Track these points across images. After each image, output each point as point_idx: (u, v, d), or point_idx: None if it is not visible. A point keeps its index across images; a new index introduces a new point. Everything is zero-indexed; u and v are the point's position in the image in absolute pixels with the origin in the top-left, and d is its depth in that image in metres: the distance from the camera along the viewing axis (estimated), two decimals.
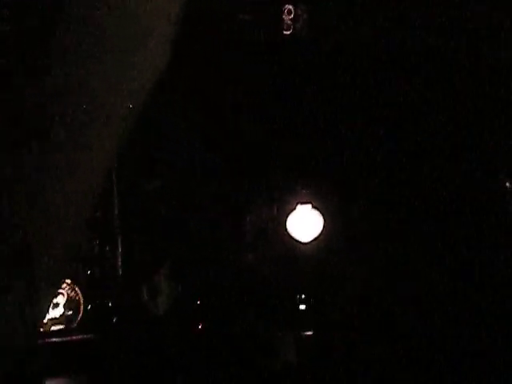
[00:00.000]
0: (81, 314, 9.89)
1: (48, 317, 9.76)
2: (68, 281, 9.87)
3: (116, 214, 9.44)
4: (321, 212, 10.53)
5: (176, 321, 9.15)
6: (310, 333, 9.16)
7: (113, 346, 9.19)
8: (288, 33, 9.87)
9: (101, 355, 9.23)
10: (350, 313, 9.68)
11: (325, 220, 10.51)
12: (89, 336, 9.59)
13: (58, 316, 9.83)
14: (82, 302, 9.89)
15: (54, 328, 9.77)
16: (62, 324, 9.82)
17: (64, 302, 9.86)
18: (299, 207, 10.50)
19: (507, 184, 10.32)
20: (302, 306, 9.51)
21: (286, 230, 10.28)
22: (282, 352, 8.73)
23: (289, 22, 9.81)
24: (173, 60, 3.92)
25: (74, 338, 9.61)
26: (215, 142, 11.17)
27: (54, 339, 9.52)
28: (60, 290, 9.85)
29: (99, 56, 3.49)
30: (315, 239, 10.40)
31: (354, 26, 10.36)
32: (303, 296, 9.55)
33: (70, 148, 3.46)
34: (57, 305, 9.83)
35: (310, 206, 10.54)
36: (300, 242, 10.31)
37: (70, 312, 9.87)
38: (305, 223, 10.39)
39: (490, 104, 10.25)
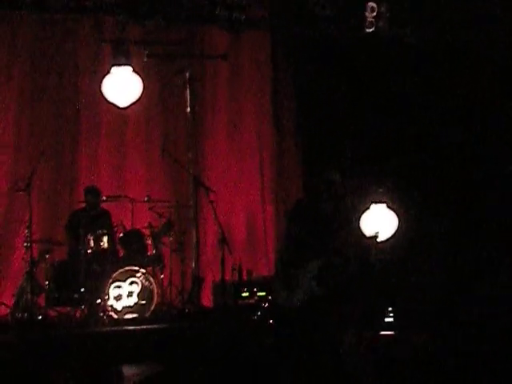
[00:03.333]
0: (154, 305, 9.96)
1: (122, 305, 9.87)
2: (143, 270, 9.96)
3: None
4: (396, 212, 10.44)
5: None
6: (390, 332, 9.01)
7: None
8: (370, 30, 9.85)
9: (173, 345, 9.23)
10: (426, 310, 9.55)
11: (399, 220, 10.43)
12: (162, 326, 9.64)
13: (131, 305, 9.94)
14: (155, 292, 9.95)
15: (127, 316, 9.88)
16: (135, 313, 9.92)
17: (138, 291, 9.95)
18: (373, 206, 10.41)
19: None
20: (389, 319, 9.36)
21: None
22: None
23: (371, 19, 9.79)
24: None
25: (147, 327, 9.66)
26: None
27: (127, 327, 9.60)
28: (134, 279, 9.94)
29: None
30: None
31: (436, 26, 10.30)
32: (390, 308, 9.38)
33: None
34: (131, 294, 9.93)
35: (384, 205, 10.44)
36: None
37: (144, 301, 9.95)
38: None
39: None
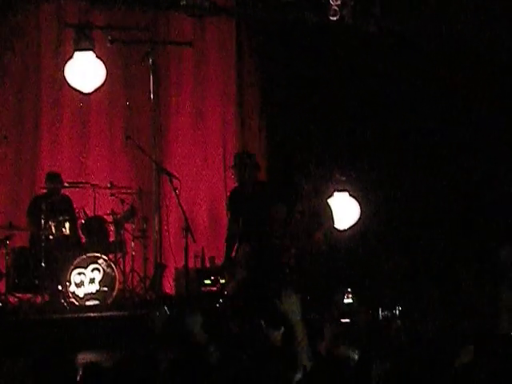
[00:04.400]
0: (116, 291, 9.92)
1: (84, 292, 9.82)
2: (105, 257, 9.91)
3: None
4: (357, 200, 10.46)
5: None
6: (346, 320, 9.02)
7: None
8: (334, 19, 9.84)
9: (135, 332, 9.19)
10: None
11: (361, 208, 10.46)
12: (124, 313, 9.61)
13: (93, 291, 9.88)
14: (117, 278, 9.91)
15: (89, 303, 9.83)
16: (97, 299, 9.87)
17: (100, 278, 9.90)
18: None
19: None
20: (348, 300, 9.39)
21: None
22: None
23: (335, 7, 9.78)
24: None
25: (109, 314, 9.62)
26: None
27: (88, 314, 9.55)
28: (96, 266, 9.89)
29: None
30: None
31: (400, 16, 10.34)
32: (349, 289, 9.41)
33: None
34: (93, 280, 9.87)
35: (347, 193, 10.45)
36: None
37: (106, 288, 9.91)
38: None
39: None
